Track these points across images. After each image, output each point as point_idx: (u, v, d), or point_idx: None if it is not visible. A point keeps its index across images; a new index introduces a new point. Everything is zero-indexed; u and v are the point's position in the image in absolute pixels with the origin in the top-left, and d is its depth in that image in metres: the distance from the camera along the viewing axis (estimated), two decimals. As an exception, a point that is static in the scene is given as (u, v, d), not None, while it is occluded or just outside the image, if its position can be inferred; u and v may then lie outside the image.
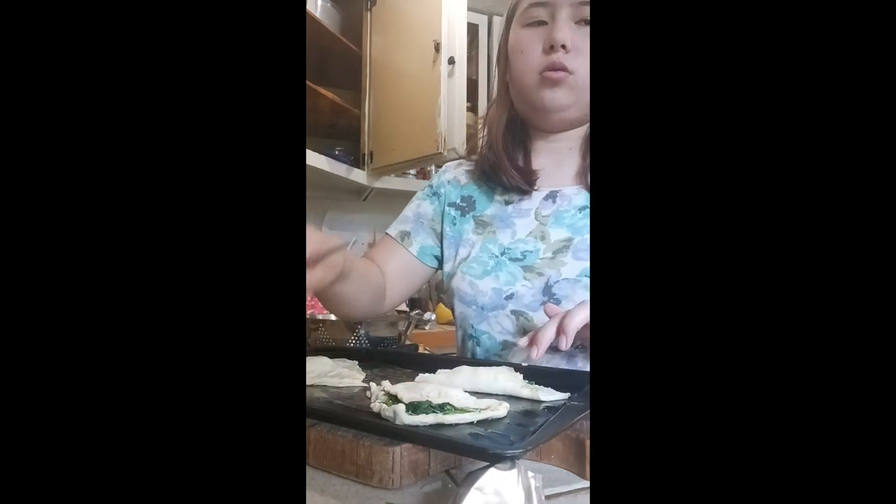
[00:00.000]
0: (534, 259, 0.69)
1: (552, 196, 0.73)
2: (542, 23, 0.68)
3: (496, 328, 0.70)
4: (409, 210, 0.83)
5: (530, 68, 0.68)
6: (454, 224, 0.79)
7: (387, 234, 0.82)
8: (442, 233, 0.80)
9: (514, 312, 0.69)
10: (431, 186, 0.83)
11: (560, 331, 0.51)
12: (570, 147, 0.74)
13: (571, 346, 0.51)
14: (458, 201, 0.80)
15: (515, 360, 0.69)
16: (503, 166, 0.74)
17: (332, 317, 0.91)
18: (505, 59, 0.76)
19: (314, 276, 0.46)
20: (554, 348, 0.53)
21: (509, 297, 0.69)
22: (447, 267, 0.78)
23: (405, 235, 0.80)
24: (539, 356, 0.51)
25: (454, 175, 0.83)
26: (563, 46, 0.65)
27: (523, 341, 0.53)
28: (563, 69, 0.66)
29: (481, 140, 0.81)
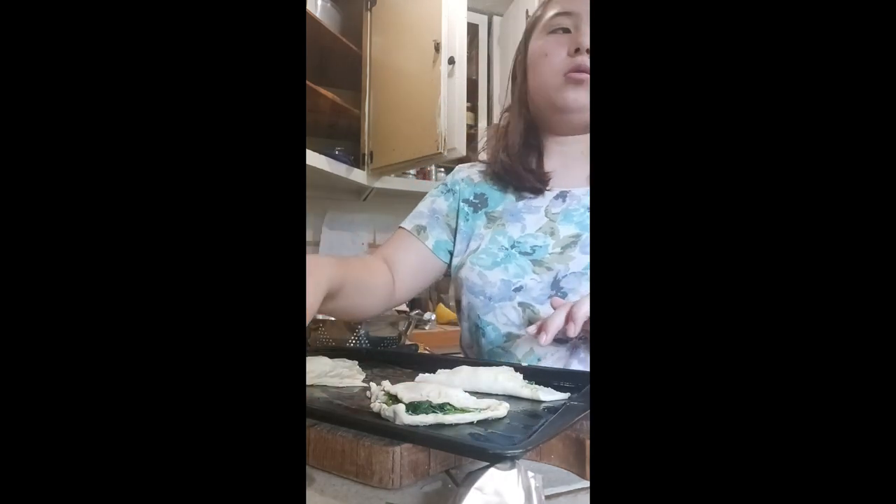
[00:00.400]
0: (543, 253, 0.72)
1: (562, 196, 0.76)
2: (566, 30, 0.73)
3: (501, 319, 0.72)
4: (424, 206, 0.85)
5: (555, 70, 0.73)
6: (467, 220, 0.81)
7: (401, 227, 0.83)
8: (456, 228, 0.82)
9: (521, 304, 0.70)
10: (446, 184, 0.86)
11: (569, 318, 0.52)
12: (581, 151, 0.78)
13: (577, 336, 0.51)
14: (472, 198, 0.83)
15: (520, 352, 0.70)
16: (517, 170, 0.77)
17: (333, 317, 0.91)
18: (522, 69, 0.80)
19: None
20: (561, 338, 0.54)
21: (518, 290, 0.71)
22: (456, 259, 0.80)
23: (421, 229, 0.81)
24: (547, 342, 0.52)
25: (468, 174, 0.86)
26: (588, 50, 0.70)
27: (532, 329, 0.54)
28: (587, 71, 0.71)
29: (482, 145, 0.86)
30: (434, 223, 0.82)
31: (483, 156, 0.88)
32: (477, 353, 0.77)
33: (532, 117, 0.80)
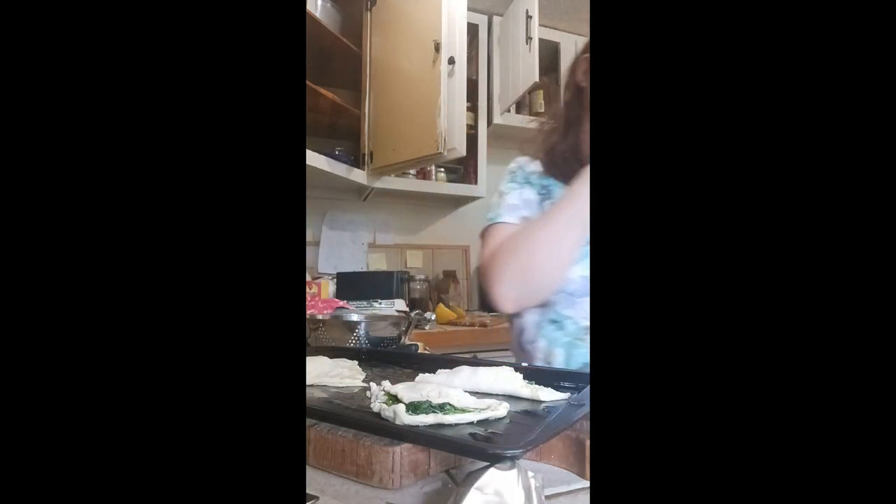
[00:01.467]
0: None
1: None
2: None
3: (581, 313, 0.75)
4: (513, 198, 0.85)
5: None
6: (537, 209, 0.84)
7: (501, 223, 0.82)
8: None
9: None
10: (520, 176, 0.87)
11: None
12: None
13: None
14: (540, 189, 0.86)
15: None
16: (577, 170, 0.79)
17: (332, 317, 0.91)
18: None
19: None
20: None
21: None
22: None
23: (526, 220, 0.82)
24: None
25: (532, 168, 0.88)
26: None
27: None
28: None
29: (541, 141, 0.87)
30: (531, 212, 0.83)
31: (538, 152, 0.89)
32: (545, 347, 0.77)
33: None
